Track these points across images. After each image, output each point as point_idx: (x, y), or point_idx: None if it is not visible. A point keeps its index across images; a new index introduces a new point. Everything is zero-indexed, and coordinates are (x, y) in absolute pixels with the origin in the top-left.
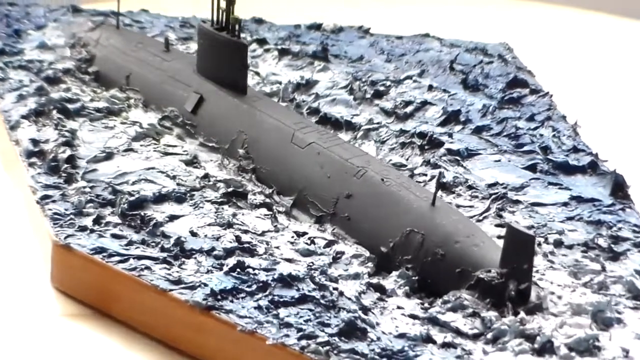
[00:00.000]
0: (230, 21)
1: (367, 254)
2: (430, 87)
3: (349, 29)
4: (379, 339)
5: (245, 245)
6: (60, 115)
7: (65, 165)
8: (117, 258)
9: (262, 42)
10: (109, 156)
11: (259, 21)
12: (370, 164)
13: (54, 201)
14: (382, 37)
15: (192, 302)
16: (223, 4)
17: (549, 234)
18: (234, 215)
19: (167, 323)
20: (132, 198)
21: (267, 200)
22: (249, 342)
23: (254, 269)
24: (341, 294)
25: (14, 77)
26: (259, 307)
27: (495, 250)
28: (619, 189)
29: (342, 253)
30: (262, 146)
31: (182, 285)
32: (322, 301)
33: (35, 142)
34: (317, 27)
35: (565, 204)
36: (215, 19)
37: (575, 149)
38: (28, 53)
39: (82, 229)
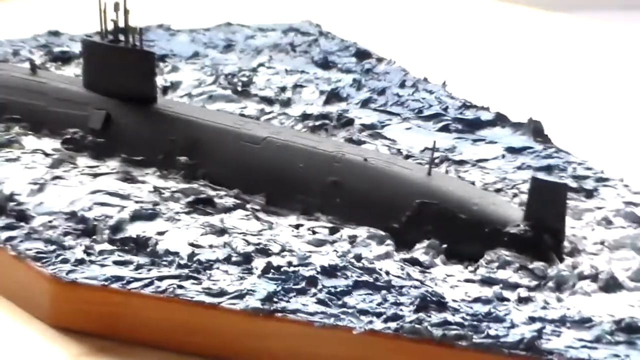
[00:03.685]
0: (130, 31)
1: (380, 233)
2: (287, 71)
3: (152, 28)
4: (459, 307)
5: (259, 247)
6: None
7: (10, 204)
8: (138, 284)
9: None
10: (42, 188)
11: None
12: (341, 147)
13: (21, 241)
14: (193, 32)
15: (251, 309)
16: (112, 16)
17: (515, 185)
18: (221, 221)
19: (221, 337)
20: (111, 222)
21: (238, 201)
22: (329, 336)
23: (287, 266)
24: (387, 273)
25: None
26: (321, 301)
27: (510, 206)
28: (539, 134)
29: (355, 237)
30: (207, 151)
31: (229, 296)
32: (377, 284)
33: None
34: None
35: (503, 156)
36: (103, 31)
37: (465, 106)
38: None
39: (79, 262)
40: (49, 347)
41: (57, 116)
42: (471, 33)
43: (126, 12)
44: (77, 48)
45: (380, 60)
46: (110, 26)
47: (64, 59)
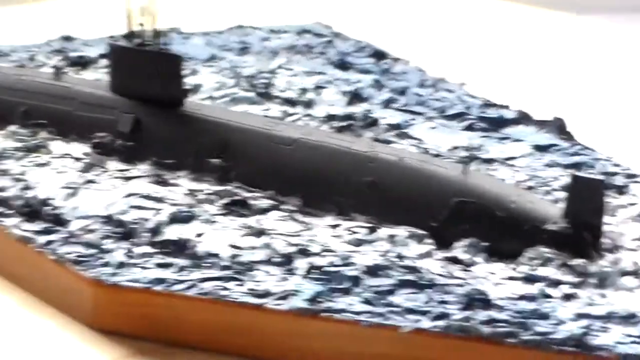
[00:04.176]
0: (158, 35)
1: (419, 232)
2: (305, 72)
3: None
4: (504, 305)
5: (299, 247)
6: None
7: (46, 208)
8: (182, 286)
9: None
10: (75, 192)
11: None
12: (374, 147)
13: (60, 245)
14: (207, 35)
15: (297, 309)
16: (139, 19)
17: (546, 182)
18: (259, 222)
19: (265, 338)
20: (150, 225)
21: (273, 202)
22: (376, 336)
23: (329, 266)
24: (430, 272)
25: None
26: (366, 301)
27: (547, 203)
28: (563, 132)
29: (394, 236)
30: (239, 153)
31: (274, 297)
32: (421, 282)
33: None
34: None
35: (531, 154)
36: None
37: (487, 105)
38: None
39: (121, 265)
40: (90, 350)
41: (84, 120)
42: (482, 32)
43: (154, 15)
44: (92, 52)
45: (396, 60)
46: (136, 30)
47: (82, 63)
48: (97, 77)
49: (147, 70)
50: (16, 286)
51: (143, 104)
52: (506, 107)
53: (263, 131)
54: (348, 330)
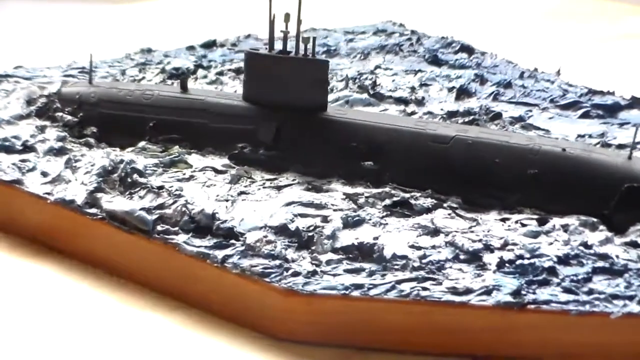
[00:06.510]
0: (302, 42)
1: (592, 219)
2: (405, 71)
3: (241, 38)
4: None
5: (481, 242)
6: (139, 178)
7: (216, 222)
8: (380, 289)
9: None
10: (232, 204)
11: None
12: (532, 139)
13: (240, 259)
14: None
15: (503, 304)
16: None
17: None
18: (432, 221)
19: (470, 335)
20: (327, 232)
21: (435, 201)
22: (583, 323)
23: (519, 259)
24: (617, 257)
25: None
26: (568, 290)
27: None
28: None
29: (567, 225)
30: (392, 154)
31: (476, 293)
32: (615, 268)
33: (148, 210)
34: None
35: None
36: (270, 42)
37: (590, 92)
38: None
39: (311, 273)
40: None
41: (221, 132)
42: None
43: (299, 22)
44: (179, 63)
45: (483, 54)
46: (280, 37)
47: (178, 75)
48: (202, 87)
49: (291, 77)
50: (186, 305)
51: (283, 112)
52: (612, 93)
53: (417, 131)
54: (556, 320)
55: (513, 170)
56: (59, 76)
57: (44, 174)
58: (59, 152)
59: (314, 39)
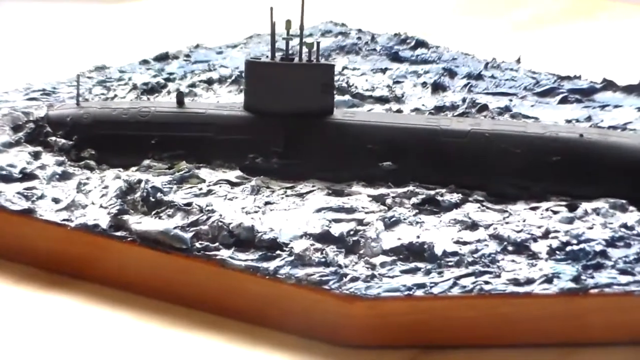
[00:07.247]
0: (306, 47)
1: (620, 201)
2: (373, 70)
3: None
4: None
5: (523, 232)
6: (164, 196)
7: (257, 234)
8: (442, 287)
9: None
10: (262, 216)
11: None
12: (546, 128)
13: (291, 269)
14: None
15: (567, 290)
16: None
17: None
18: (468, 215)
19: (535, 324)
20: (370, 235)
21: (461, 196)
22: None
23: (567, 246)
24: None
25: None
26: (624, 271)
27: None
28: None
29: (598, 208)
30: (410, 152)
31: (537, 283)
32: None
33: (182, 228)
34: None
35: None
36: (273, 50)
37: (559, 77)
38: None
39: (370, 277)
40: None
41: (228, 144)
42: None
43: (301, 28)
44: (140, 79)
45: (437, 47)
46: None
47: (149, 90)
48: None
49: (297, 83)
50: (234, 320)
51: (290, 118)
52: (578, 77)
53: (431, 128)
54: (620, 302)
55: (535, 159)
56: (21, 99)
57: (56, 201)
58: (62, 177)
59: (318, 43)
